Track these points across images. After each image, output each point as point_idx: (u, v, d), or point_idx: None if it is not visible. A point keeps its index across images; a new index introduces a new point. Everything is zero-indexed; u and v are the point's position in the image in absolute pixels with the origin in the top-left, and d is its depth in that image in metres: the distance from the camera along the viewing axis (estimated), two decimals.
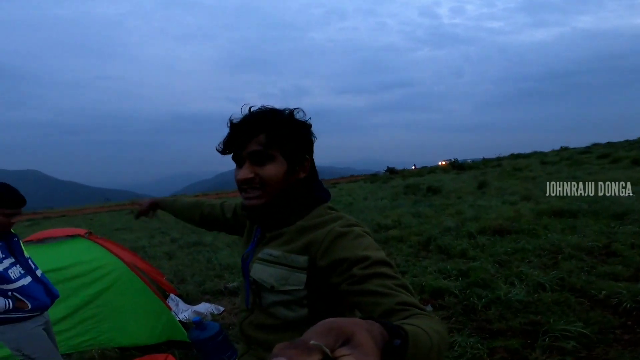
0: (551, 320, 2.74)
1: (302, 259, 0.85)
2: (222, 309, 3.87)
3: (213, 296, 4.33)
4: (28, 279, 2.05)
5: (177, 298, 4.00)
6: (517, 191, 8.93)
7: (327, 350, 0.32)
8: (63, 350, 2.92)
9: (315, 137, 0.94)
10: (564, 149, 26.41)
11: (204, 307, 3.81)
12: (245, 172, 0.87)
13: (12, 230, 2.13)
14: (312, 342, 0.32)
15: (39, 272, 2.17)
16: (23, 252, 2.14)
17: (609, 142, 26.09)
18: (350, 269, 0.75)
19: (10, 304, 1.90)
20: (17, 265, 2.03)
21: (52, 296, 2.16)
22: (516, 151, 34.97)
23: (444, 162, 45.94)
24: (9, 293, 1.93)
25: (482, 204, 7.83)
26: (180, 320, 3.33)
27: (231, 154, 0.92)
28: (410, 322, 0.55)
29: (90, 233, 3.65)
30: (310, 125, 0.93)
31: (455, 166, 22.56)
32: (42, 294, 2.08)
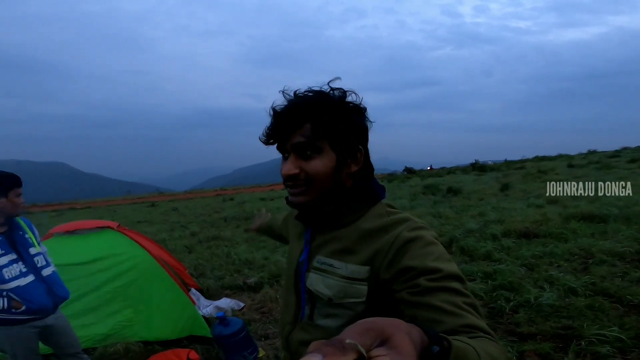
0: (585, 325, 2.66)
1: (364, 270, 0.76)
2: (242, 304, 3.87)
3: (232, 291, 4.34)
4: (28, 279, 1.88)
5: (198, 293, 4.03)
6: (543, 194, 8.67)
7: (363, 350, 0.32)
8: (88, 345, 2.90)
9: (370, 122, 0.83)
10: (592, 152, 25.52)
11: (225, 303, 3.81)
12: (290, 167, 0.78)
13: (20, 221, 1.98)
14: (347, 340, 0.32)
15: (48, 270, 2.00)
16: (29, 248, 1.97)
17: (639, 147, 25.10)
18: (415, 278, 0.68)
19: (4, 303, 1.79)
20: (19, 263, 1.89)
21: (57, 298, 2.00)
22: (540, 153, 34.00)
23: None
24: (4, 293, 1.81)
25: (506, 206, 7.64)
26: (202, 316, 3.31)
27: (275, 145, 0.83)
28: (464, 340, 0.51)
29: (119, 225, 3.71)
30: (364, 110, 0.82)
31: (476, 167, 22.11)
32: (41, 297, 1.91)
